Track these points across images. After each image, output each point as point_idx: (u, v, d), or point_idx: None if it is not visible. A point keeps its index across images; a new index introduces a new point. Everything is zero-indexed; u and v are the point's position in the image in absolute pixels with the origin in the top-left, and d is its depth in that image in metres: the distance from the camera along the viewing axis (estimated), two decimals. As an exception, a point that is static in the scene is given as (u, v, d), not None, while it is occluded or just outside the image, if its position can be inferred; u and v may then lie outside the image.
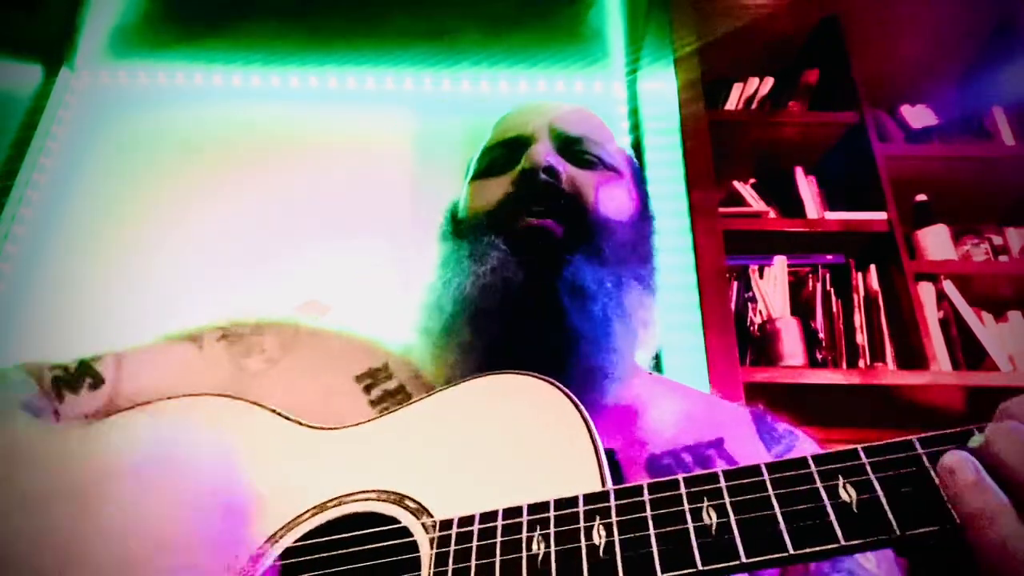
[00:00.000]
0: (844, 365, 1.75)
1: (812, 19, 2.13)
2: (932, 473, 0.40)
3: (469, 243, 0.74)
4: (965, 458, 0.38)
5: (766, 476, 0.43)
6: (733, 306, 1.81)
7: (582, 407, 0.55)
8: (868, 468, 0.42)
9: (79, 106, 2.30)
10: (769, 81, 2.14)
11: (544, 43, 2.29)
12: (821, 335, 1.79)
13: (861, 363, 1.75)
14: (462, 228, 0.78)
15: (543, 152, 0.74)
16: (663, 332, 1.82)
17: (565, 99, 2.40)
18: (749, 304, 1.86)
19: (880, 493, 0.40)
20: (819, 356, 1.75)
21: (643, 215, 0.82)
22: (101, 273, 2.01)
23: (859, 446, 0.43)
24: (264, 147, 2.21)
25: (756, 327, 1.82)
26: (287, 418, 0.65)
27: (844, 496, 0.41)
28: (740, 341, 1.73)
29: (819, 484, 0.42)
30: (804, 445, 0.75)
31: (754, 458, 0.70)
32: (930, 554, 0.42)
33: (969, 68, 2.19)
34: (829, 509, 0.41)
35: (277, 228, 2.06)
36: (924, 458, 0.41)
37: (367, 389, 0.73)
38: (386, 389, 0.73)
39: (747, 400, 1.55)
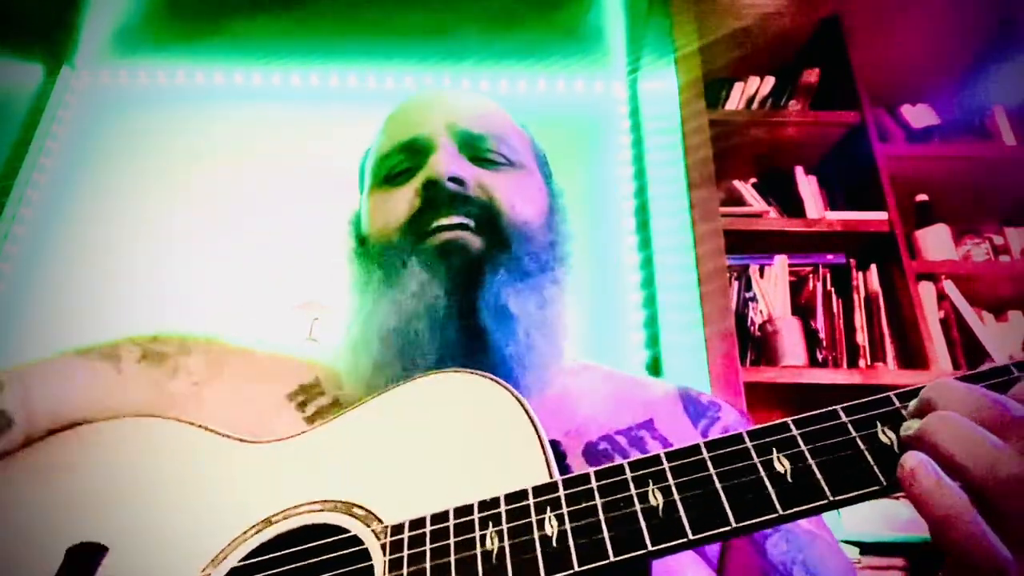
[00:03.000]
0: (844, 365, 1.75)
1: (813, 19, 2.13)
2: (858, 440, 0.42)
3: (382, 267, 0.71)
4: (924, 460, 0.38)
5: (706, 454, 0.44)
6: (733, 306, 1.80)
7: (524, 400, 0.54)
8: (799, 440, 0.43)
9: (79, 106, 2.30)
10: (770, 81, 2.14)
11: (544, 42, 2.29)
12: (822, 335, 1.79)
13: (861, 363, 1.75)
14: (370, 249, 0.74)
15: (445, 160, 0.71)
16: (664, 332, 1.83)
17: (565, 99, 2.42)
18: (750, 304, 1.86)
19: (811, 462, 0.42)
20: (820, 356, 1.75)
21: (552, 207, 0.79)
22: (101, 273, 2.01)
23: (789, 419, 0.44)
24: (264, 146, 2.21)
25: (756, 327, 1.82)
26: (219, 434, 0.63)
27: (779, 467, 0.42)
28: (740, 341, 1.72)
29: (755, 459, 0.43)
30: (728, 416, 0.75)
31: (683, 435, 0.71)
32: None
33: (969, 68, 2.19)
34: (766, 481, 0.42)
35: (278, 227, 2.06)
36: (849, 426, 0.43)
37: (301, 406, 0.71)
38: (320, 405, 0.71)
39: (748, 400, 1.57)
